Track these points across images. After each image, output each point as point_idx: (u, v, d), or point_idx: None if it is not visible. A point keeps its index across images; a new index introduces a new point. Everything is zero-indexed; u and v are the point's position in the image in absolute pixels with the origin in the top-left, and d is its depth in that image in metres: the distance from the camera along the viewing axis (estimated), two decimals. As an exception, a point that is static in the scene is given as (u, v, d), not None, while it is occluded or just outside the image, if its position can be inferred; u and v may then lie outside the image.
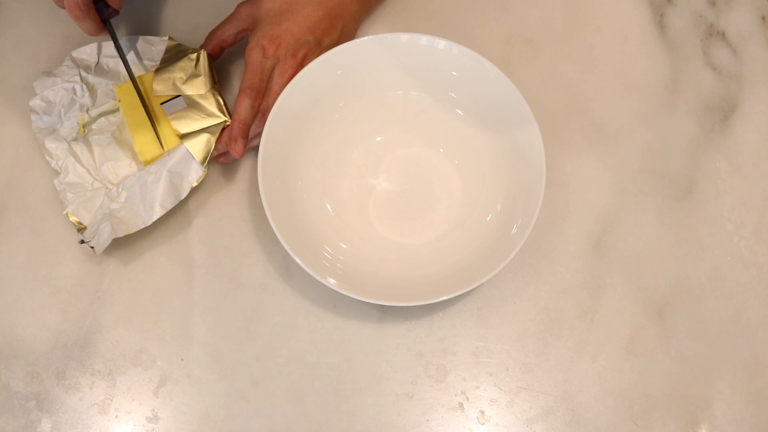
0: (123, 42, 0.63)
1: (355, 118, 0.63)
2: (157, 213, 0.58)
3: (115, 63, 0.63)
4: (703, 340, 0.60)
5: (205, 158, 0.59)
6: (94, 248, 0.57)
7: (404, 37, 0.60)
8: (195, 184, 0.58)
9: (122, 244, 0.60)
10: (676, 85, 0.66)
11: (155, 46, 0.62)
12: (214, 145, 0.59)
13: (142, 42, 0.63)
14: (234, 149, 0.58)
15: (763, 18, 0.68)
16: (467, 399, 0.58)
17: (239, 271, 0.60)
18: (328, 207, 0.61)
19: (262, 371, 0.58)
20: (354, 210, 0.61)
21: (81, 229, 0.59)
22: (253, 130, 0.60)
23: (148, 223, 0.58)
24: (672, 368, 0.59)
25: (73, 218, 0.59)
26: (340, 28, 0.62)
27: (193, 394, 0.58)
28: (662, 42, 0.67)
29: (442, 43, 0.60)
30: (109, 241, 0.57)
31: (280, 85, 0.59)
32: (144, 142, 0.59)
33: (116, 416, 0.57)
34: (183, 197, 0.58)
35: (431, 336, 0.59)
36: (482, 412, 0.58)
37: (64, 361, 0.58)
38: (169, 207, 0.58)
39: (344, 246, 0.60)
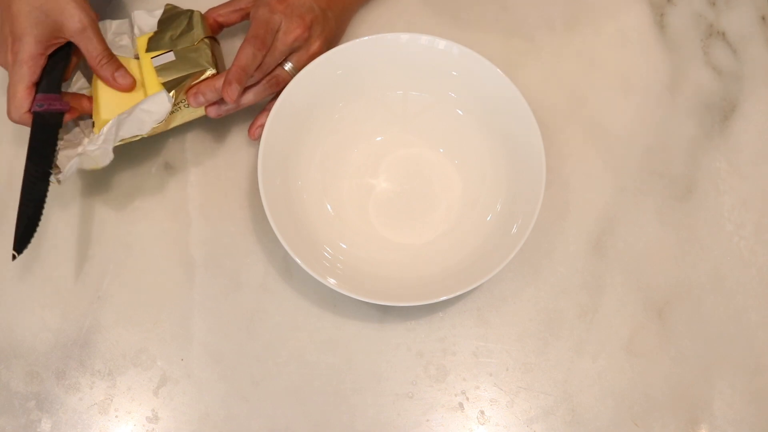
0: (127, 20, 0.63)
1: (355, 118, 0.63)
2: (116, 142, 0.56)
3: (123, 39, 0.63)
4: (703, 340, 0.60)
5: (171, 90, 0.58)
6: (60, 181, 0.56)
7: (404, 37, 0.60)
8: (161, 121, 0.57)
9: (122, 243, 0.60)
10: (676, 85, 0.66)
11: (156, 18, 0.63)
12: (188, 81, 0.58)
13: (144, 15, 0.63)
14: (227, 92, 0.56)
15: (763, 18, 0.68)
16: (467, 399, 0.58)
17: (239, 271, 0.60)
18: (328, 207, 0.61)
19: (262, 371, 0.58)
20: (354, 210, 0.61)
21: (57, 172, 0.57)
22: (249, 82, 0.58)
23: (111, 155, 0.56)
24: (672, 368, 0.59)
25: None
26: (342, 6, 0.62)
27: (193, 394, 0.58)
28: (662, 42, 0.67)
29: (442, 43, 0.60)
30: (74, 169, 0.56)
31: (283, 43, 0.58)
32: (156, 83, 0.59)
33: (116, 416, 0.57)
34: (144, 132, 0.57)
35: (431, 336, 0.59)
36: (482, 412, 0.58)
37: (64, 361, 0.58)
38: (126, 136, 0.57)
39: (344, 246, 0.60)
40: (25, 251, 0.60)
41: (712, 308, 0.60)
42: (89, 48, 0.57)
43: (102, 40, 0.58)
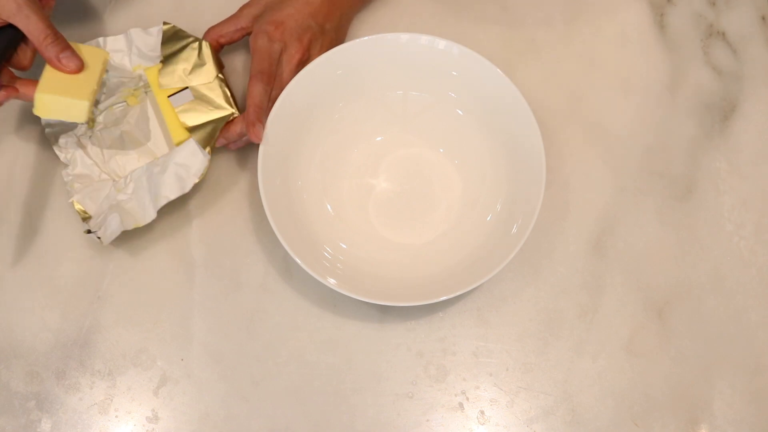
0: (123, 37, 0.62)
1: (355, 118, 0.63)
2: (161, 202, 0.57)
3: (120, 57, 0.62)
4: (703, 340, 0.60)
5: (206, 146, 0.58)
6: (101, 239, 0.57)
7: (404, 37, 0.60)
8: (201, 176, 0.58)
9: (122, 244, 0.60)
10: (676, 85, 0.66)
11: (154, 36, 0.62)
12: (218, 133, 0.59)
13: (141, 33, 0.62)
14: (253, 134, 0.57)
15: (763, 18, 0.68)
16: (467, 399, 0.58)
17: (239, 271, 0.60)
18: (328, 207, 0.61)
19: (262, 371, 0.58)
20: (354, 210, 0.61)
21: (86, 218, 0.58)
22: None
23: (153, 215, 0.57)
24: (672, 368, 0.59)
25: (78, 206, 0.58)
26: (339, 15, 0.62)
27: (193, 394, 0.58)
28: (662, 42, 0.67)
29: (442, 43, 0.60)
30: (118, 232, 0.56)
31: (288, 73, 0.59)
32: (177, 124, 0.60)
33: (116, 416, 0.57)
34: (188, 189, 0.58)
35: (431, 336, 0.59)
36: (482, 412, 0.58)
37: (64, 361, 0.58)
38: (172, 197, 0.57)
39: (344, 246, 0.60)
40: (26, 253, 0.60)
41: (712, 308, 0.60)
42: (29, 28, 0.54)
43: (44, 19, 0.54)
